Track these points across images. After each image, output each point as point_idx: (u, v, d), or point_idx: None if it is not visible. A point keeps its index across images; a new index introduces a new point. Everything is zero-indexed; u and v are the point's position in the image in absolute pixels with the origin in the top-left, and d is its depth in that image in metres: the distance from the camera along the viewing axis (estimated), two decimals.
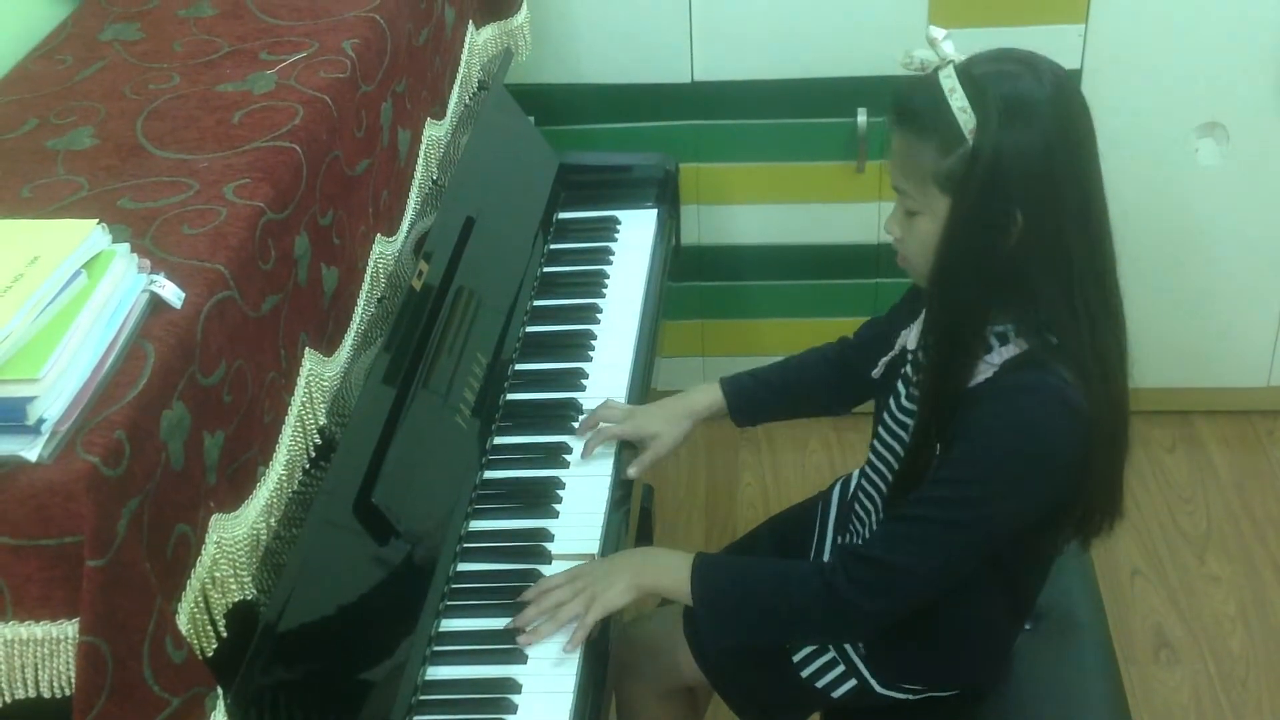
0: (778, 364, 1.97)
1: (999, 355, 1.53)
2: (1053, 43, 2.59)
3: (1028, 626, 1.81)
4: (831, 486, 1.95)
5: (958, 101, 1.45)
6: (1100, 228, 1.53)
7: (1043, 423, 1.50)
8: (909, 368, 1.65)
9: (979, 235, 1.48)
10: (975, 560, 1.57)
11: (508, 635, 1.63)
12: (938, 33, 1.50)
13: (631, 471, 1.88)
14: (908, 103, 1.51)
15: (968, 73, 1.47)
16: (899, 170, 1.54)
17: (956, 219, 1.48)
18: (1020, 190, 1.45)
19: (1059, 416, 1.50)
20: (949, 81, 1.46)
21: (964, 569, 1.57)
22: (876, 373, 1.74)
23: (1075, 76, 2.65)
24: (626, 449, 1.93)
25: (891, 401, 1.67)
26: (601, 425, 1.92)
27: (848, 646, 1.73)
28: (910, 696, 1.75)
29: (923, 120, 1.48)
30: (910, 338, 1.66)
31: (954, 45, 1.50)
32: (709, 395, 1.94)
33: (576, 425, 1.95)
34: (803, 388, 1.94)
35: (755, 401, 1.95)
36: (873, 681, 1.73)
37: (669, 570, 1.66)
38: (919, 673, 1.73)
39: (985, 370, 1.53)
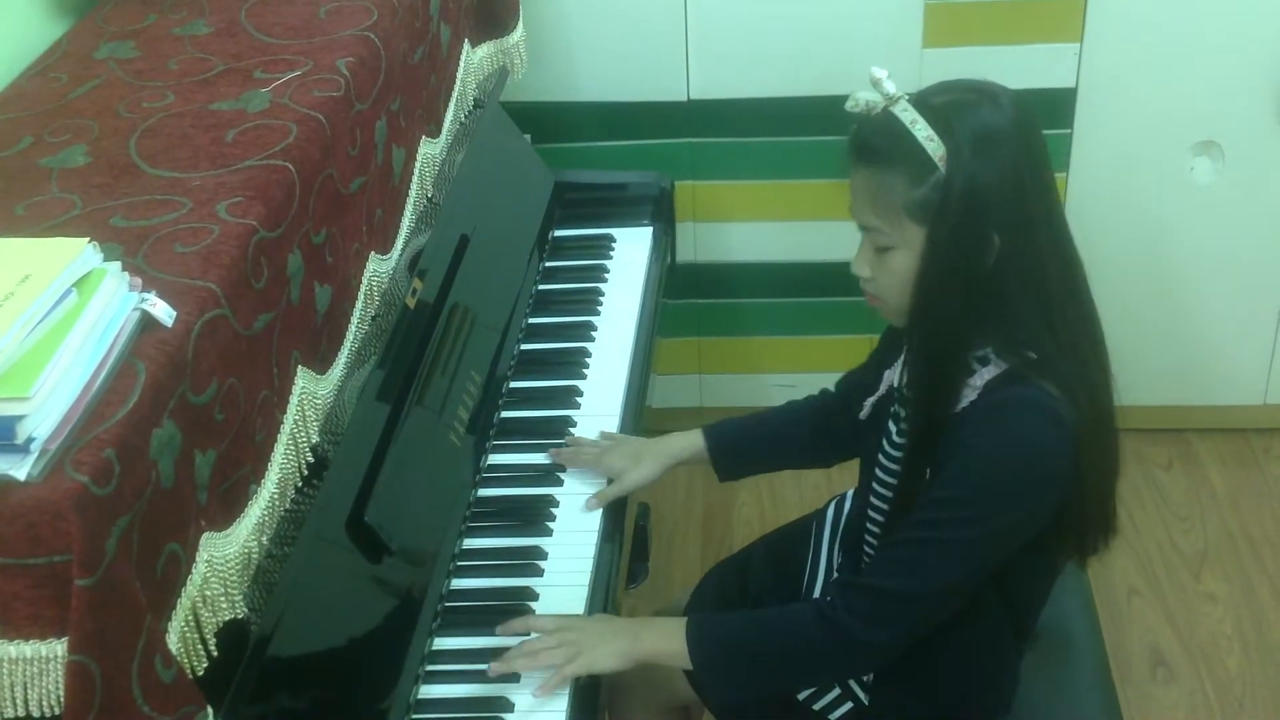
0: (759, 415, 1.95)
1: (981, 378, 1.53)
2: (1048, 61, 2.62)
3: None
4: (826, 505, 1.95)
5: (922, 131, 1.47)
6: (1069, 243, 1.55)
7: (1028, 434, 1.50)
8: (897, 405, 1.65)
9: (957, 260, 1.49)
10: (976, 579, 1.57)
11: (500, 654, 1.62)
12: (880, 73, 1.52)
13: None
14: (868, 140, 1.52)
15: (925, 104, 1.49)
16: (867, 207, 1.53)
17: (934, 247, 1.49)
18: (996, 215, 1.47)
19: (1044, 426, 1.50)
20: (908, 114, 1.48)
21: (965, 589, 1.57)
22: (864, 414, 1.73)
23: (1070, 95, 2.66)
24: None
25: (884, 441, 1.67)
26: (577, 453, 1.91)
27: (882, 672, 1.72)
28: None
29: (888, 154, 1.50)
30: (896, 375, 1.66)
31: (895, 85, 1.52)
32: (688, 440, 1.92)
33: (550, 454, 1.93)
34: (785, 441, 1.92)
35: (739, 454, 1.93)
36: (867, 705, 1.72)
37: (664, 637, 1.63)
38: (920, 700, 1.71)
39: (969, 394, 1.53)
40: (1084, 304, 1.56)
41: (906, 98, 1.50)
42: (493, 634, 1.65)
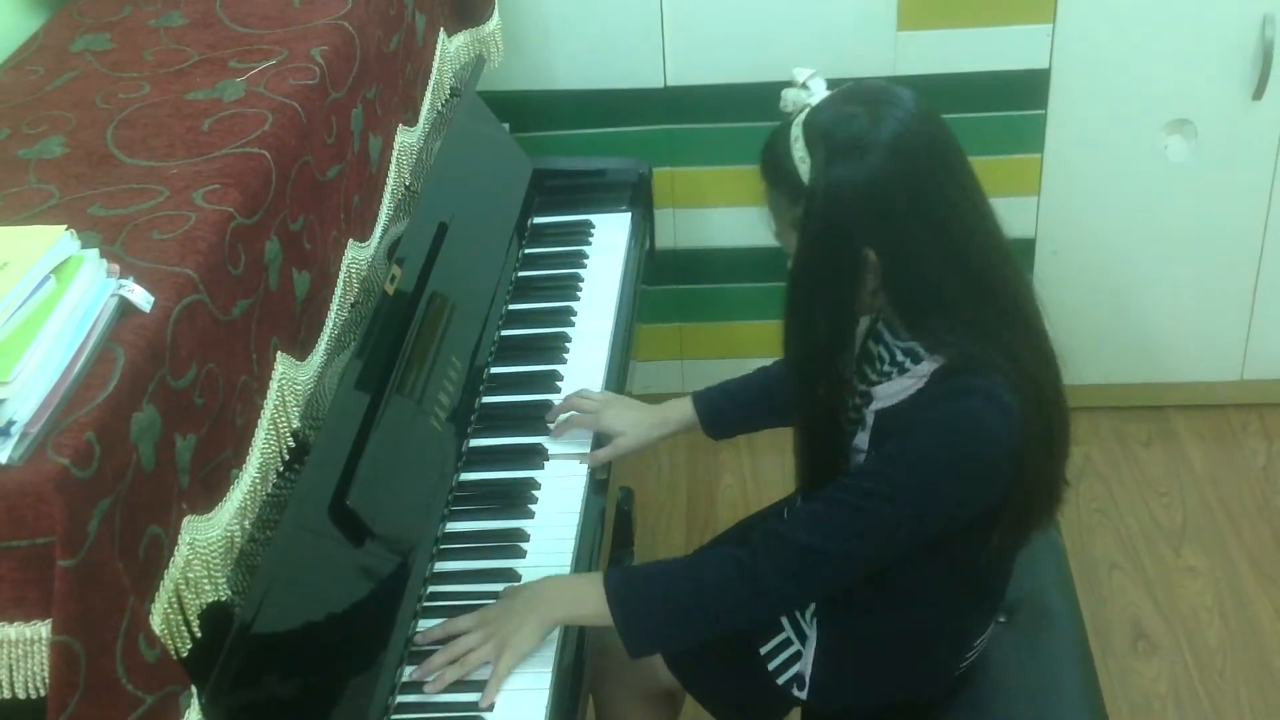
0: (746, 377, 1.99)
1: (928, 365, 1.54)
2: (1021, 43, 2.64)
3: (1002, 620, 1.83)
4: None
5: (798, 152, 1.49)
6: (979, 255, 1.52)
7: (973, 423, 1.51)
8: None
9: (824, 272, 1.51)
10: (891, 554, 1.58)
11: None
12: (802, 74, 1.54)
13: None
14: (766, 155, 1.55)
15: (813, 118, 1.50)
16: (771, 219, 1.58)
17: (800, 257, 1.52)
18: (857, 226, 1.48)
19: (990, 416, 1.50)
20: (795, 130, 1.50)
21: (878, 559, 1.58)
22: None
23: (1044, 76, 2.68)
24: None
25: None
26: (572, 414, 1.96)
27: (824, 654, 1.73)
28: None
29: (776, 171, 1.53)
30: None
31: (823, 83, 1.54)
32: (681, 410, 1.97)
33: (549, 415, 1.98)
34: (771, 401, 1.95)
35: (725, 416, 1.97)
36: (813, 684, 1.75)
37: (580, 597, 1.63)
38: (883, 686, 1.74)
39: (914, 383, 1.55)
40: (1004, 302, 1.54)
41: (809, 108, 1.51)
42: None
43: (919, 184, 1.48)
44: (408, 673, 1.60)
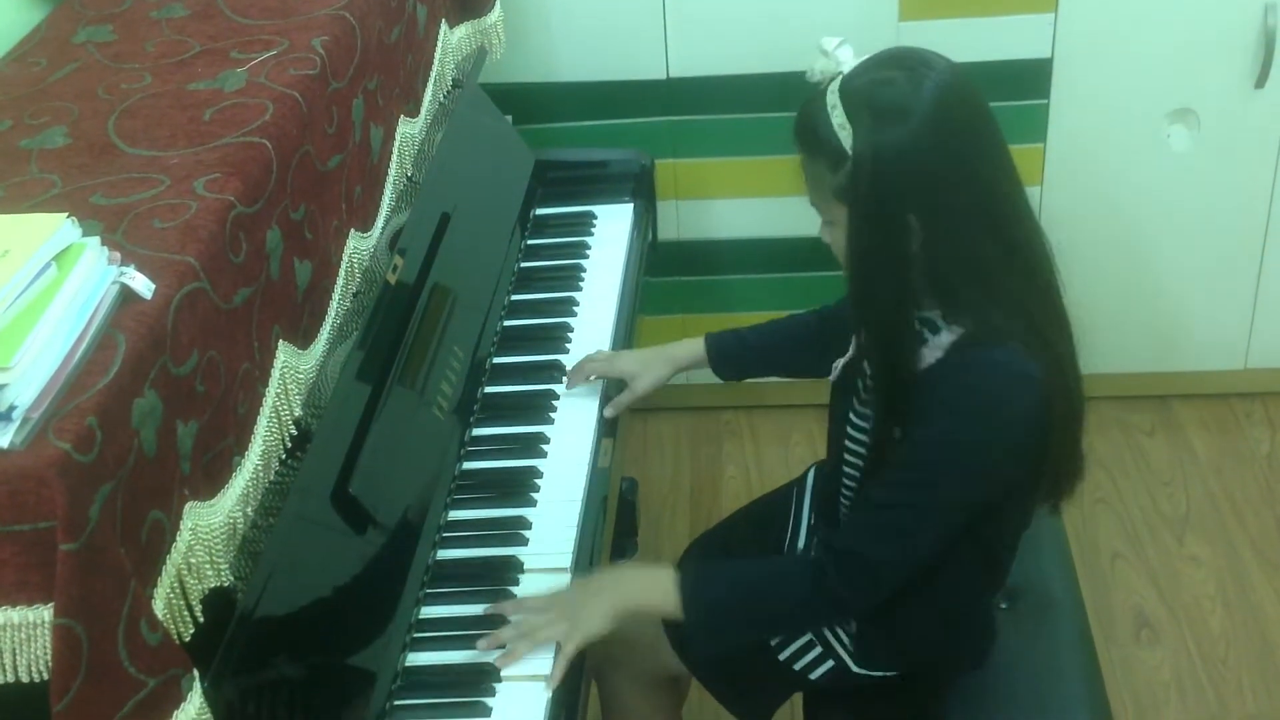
0: (760, 326, 2.04)
1: (947, 336, 1.55)
2: (1024, 33, 2.64)
3: (1004, 605, 1.84)
4: (806, 471, 1.98)
5: (837, 119, 1.49)
6: (1013, 222, 1.54)
7: (1000, 398, 1.52)
8: (866, 364, 1.68)
9: (878, 237, 1.51)
10: (953, 535, 1.60)
11: (487, 622, 1.65)
12: (829, 43, 1.53)
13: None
14: (799, 128, 1.55)
15: (849, 85, 1.50)
16: (808, 188, 1.58)
17: (854, 225, 1.52)
18: (905, 192, 1.48)
19: (1016, 389, 1.52)
20: (832, 99, 1.50)
21: (943, 545, 1.60)
22: (833, 377, 1.76)
23: (1046, 66, 2.68)
24: (606, 438, 1.97)
25: (854, 399, 1.69)
26: (585, 363, 2.01)
27: (826, 630, 1.75)
28: (888, 674, 1.77)
29: (815, 141, 1.52)
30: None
31: (851, 51, 1.53)
32: (690, 346, 2.03)
33: (565, 379, 2.04)
34: (782, 352, 2.00)
35: (734, 359, 2.02)
36: (850, 662, 1.75)
37: (651, 589, 1.67)
38: (901, 654, 1.75)
39: (934, 353, 1.55)
40: (1037, 278, 1.56)
41: (841, 76, 1.51)
42: (478, 603, 1.67)
43: (961, 146, 1.49)
44: (411, 659, 1.60)
